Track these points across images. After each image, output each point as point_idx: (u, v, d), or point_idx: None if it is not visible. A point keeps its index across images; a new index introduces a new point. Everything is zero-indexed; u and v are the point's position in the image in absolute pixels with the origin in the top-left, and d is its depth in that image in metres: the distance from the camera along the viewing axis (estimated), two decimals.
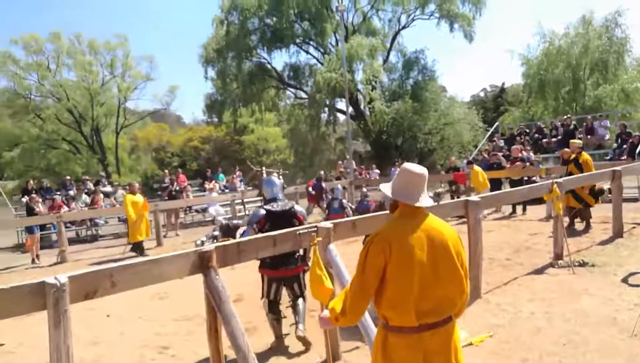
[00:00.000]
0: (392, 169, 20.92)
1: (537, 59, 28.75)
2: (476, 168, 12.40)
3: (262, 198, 7.01)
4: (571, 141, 10.95)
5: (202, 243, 9.72)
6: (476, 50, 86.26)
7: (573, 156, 9.58)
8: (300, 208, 5.12)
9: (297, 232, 4.39)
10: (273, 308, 4.81)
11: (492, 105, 46.71)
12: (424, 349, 2.24)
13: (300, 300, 4.86)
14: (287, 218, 4.83)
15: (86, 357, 4.82)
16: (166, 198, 15.41)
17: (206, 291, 3.69)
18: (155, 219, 12.82)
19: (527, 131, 19.81)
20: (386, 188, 2.50)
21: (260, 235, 4.41)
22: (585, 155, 9.51)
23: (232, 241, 4.20)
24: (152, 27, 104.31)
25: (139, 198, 11.36)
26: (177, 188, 15.84)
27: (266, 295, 4.83)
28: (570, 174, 9.03)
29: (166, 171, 19.86)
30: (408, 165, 2.49)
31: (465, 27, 28.35)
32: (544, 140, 18.15)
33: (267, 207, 4.88)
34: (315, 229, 4.45)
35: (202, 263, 3.66)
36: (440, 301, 2.26)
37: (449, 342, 2.31)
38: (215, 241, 9.32)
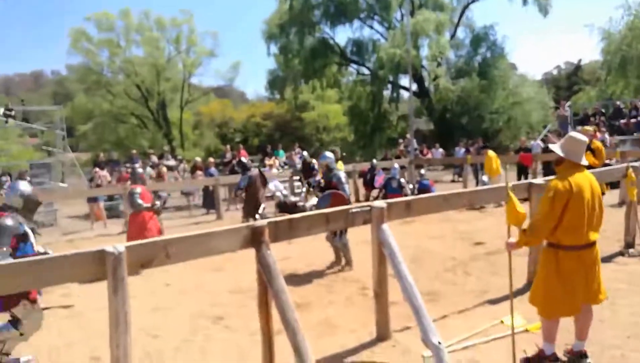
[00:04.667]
0: (457, 148, 20.25)
1: (620, 34, 26.54)
2: (490, 153, 11.58)
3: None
4: (583, 127, 10.92)
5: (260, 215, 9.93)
6: (551, 25, 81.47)
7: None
8: None
9: (350, 211, 4.34)
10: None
11: (566, 83, 44.21)
12: (584, 261, 3.45)
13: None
14: None
15: (146, 323, 5.00)
16: (227, 172, 15.77)
17: (258, 266, 3.71)
18: (215, 193, 13.19)
19: (603, 111, 18.59)
20: (557, 148, 3.55)
21: (313, 212, 4.40)
22: (597, 142, 9.60)
23: (284, 217, 4.19)
24: (216, 2, 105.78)
25: None
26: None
27: None
28: None
29: (228, 146, 20.28)
30: (574, 134, 3.65)
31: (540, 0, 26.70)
32: (622, 121, 16.96)
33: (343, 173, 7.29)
34: (369, 208, 4.37)
35: (254, 238, 3.69)
36: (592, 228, 3.45)
37: (596, 258, 3.52)
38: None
